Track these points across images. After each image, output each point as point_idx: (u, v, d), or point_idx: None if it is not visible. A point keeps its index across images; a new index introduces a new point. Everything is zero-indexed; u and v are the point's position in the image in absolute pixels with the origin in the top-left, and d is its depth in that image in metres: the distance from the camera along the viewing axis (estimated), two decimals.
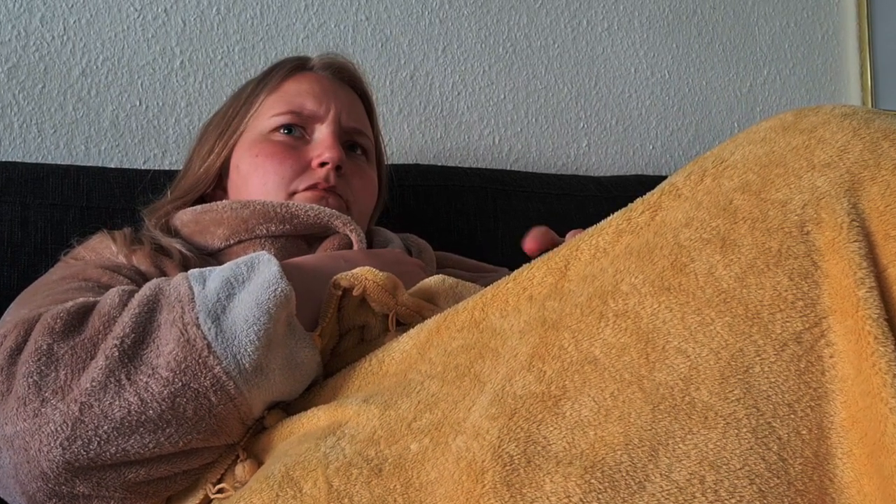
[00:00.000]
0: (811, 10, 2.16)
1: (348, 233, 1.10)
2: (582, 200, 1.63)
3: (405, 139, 1.71)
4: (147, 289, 0.83)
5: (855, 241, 0.60)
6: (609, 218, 0.73)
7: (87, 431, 0.75)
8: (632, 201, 0.73)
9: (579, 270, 0.71)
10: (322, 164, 1.13)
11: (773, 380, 0.59)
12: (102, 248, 1.04)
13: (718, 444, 0.58)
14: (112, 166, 1.44)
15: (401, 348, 0.81)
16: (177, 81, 1.53)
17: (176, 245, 1.06)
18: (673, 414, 0.60)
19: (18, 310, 0.88)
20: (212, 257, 1.09)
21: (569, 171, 1.85)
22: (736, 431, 0.58)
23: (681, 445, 0.59)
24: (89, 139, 1.46)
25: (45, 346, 0.77)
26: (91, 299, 0.85)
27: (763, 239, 0.62)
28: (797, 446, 0.58)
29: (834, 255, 0.60)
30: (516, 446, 0.62)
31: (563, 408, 0.63)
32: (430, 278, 0.95)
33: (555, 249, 0.75)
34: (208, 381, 0.77)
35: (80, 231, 1.14)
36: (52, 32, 1.44)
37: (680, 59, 2.01)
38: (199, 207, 1.13)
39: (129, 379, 0.76)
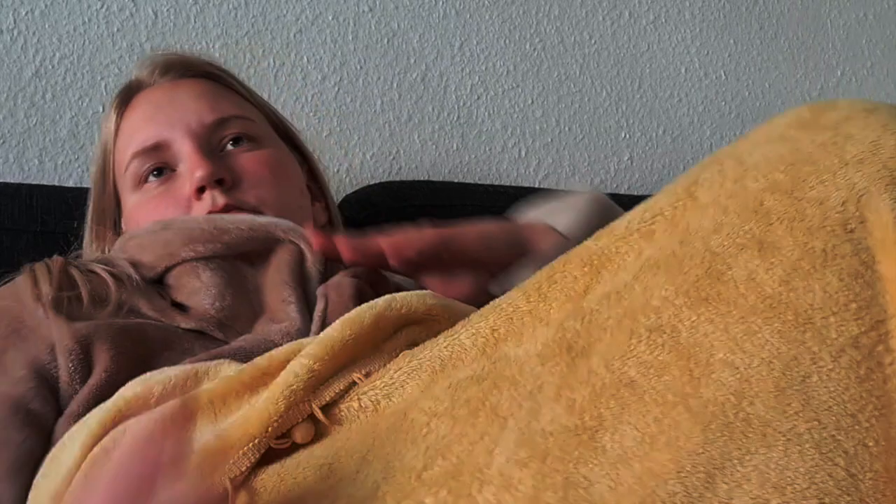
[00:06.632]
0: (892, 0, 2.17)
1: (297, 242, 1.07)
2: None
3: (415, 151, 1.72)
4: None
5: None
6: (614, 225, 0.74)
7: None
8: None
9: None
10: (200, 190, 1.09)
11: (832, 389, 0.61)
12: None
13: (780, 463, 0.60)
14: (70, 184, 1.45)
15: (401, 393, 0.81)
16: None
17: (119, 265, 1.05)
18: (727, 433, 0.61)
19: None
20: (155, 285, 1.06)
21: (608, 189, 1.85)
22: (798, 448, 0.60)
23: (739, 468, 0.60)
24: (44, 151, 1.47)
25: None
26: None
27: (805, 239, 0.65)
28: (865, 460, 0.60)
29: (886, 257, 0.63)
30: (554, 494, 0.63)
31: (601, 440, 0.64)
32: None
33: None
34: None
35: (34, 259, 1.14)
36: None
37: (738, 58, 2.02)
38: (126, 234, 1.14)
39: None
